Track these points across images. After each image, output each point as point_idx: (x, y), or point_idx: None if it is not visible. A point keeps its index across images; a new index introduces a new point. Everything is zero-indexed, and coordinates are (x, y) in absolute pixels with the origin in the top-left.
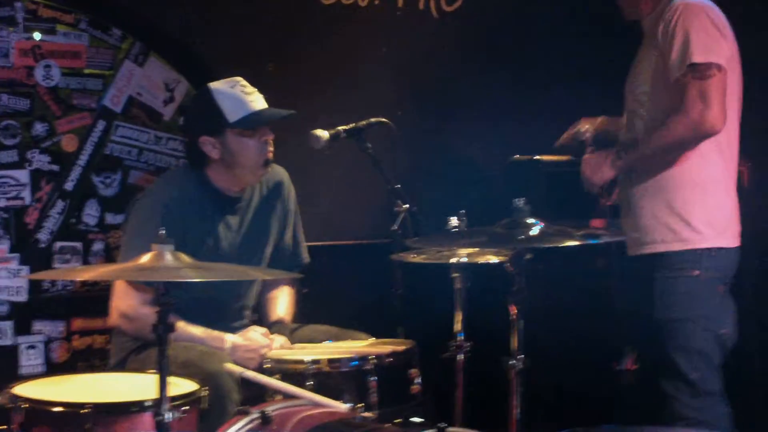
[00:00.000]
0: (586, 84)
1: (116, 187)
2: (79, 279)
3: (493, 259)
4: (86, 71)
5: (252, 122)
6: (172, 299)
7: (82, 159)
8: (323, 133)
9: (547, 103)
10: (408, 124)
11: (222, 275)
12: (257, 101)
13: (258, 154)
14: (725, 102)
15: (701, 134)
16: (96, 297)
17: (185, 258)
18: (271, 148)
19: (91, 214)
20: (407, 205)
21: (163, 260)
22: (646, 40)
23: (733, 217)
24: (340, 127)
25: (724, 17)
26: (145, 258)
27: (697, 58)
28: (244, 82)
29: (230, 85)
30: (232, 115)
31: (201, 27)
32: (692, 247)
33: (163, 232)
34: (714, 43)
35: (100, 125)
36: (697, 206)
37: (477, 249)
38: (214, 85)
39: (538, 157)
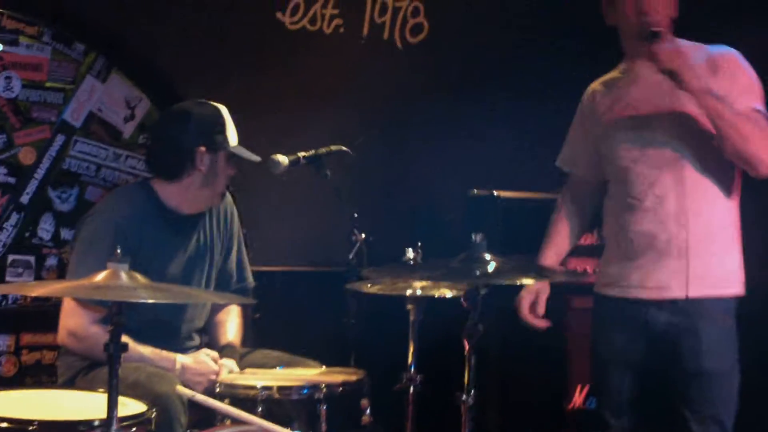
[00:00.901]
0: (549, 118)
1: (72, 203)
2: (32, 294)
3: (448, 293)
4: (47, 84)
5: (243, 155)
6: (124, 319)
7: (39, 172)
8: (283, 159)
9: (509, 138)
10: (368, 153)
11: (178, 297)
12: (235, 134)
13: (224, 182)
14: None
15: (763, 160)
16: (46, 312)
17: (140, 278)
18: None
19: (45, 228)
20: (364, 235)
21: (118, 279)
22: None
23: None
24: (300, 153)
25: None
26: (100, 276)
27: (762, 108)
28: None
29: (227, 112)
30: (232, 140)
31: (166, 46)
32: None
33: (119, 251)
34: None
35: (59, 139)
36: (732, 252)
37: (432, 282)
38: (220, 106)
39: (497, 192)
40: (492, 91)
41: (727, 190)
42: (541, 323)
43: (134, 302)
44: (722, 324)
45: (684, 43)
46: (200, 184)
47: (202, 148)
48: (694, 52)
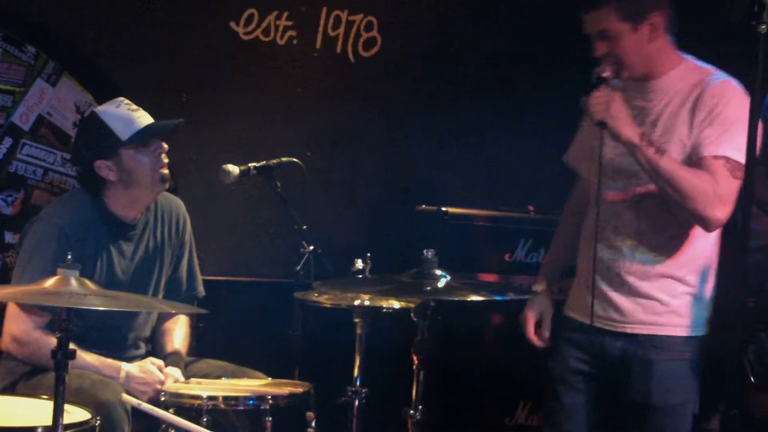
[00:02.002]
0: (503, 133)
1: (17, 207)
2: None
3: (396, 305)
4: None
5: (144, 136)
6: (72, 325)
7: None
8: (233, 168)
9: (460, 153)
10: (317, 166)
11: (129, 305)
12: (144, 117)
13: (153, 168)
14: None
15: (707, 218)
16: None
17: (90, 284)
18: (166, 161)
19: None
20: (312, 246)
21: (68, 285)
22: (667, 95)
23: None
24: (250, 164)
25: None
26: (50, 282)
27: (733, 154)
28: (128, 101)
29: (115, 105)
30: (123, 133)
31: (118, 52)
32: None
33: (70, 256)
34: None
35: (7, 142)
36: (702, 288)
37: (380, 295)
38: (100, 108)
39: (444, 208)
40: (444, 106)
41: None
42: (545, 344)
43: (83, 309)
44: (678, 357)
45: (690, 65)
46: (123, 188)
47: (99, 162)
48: (680, 82)
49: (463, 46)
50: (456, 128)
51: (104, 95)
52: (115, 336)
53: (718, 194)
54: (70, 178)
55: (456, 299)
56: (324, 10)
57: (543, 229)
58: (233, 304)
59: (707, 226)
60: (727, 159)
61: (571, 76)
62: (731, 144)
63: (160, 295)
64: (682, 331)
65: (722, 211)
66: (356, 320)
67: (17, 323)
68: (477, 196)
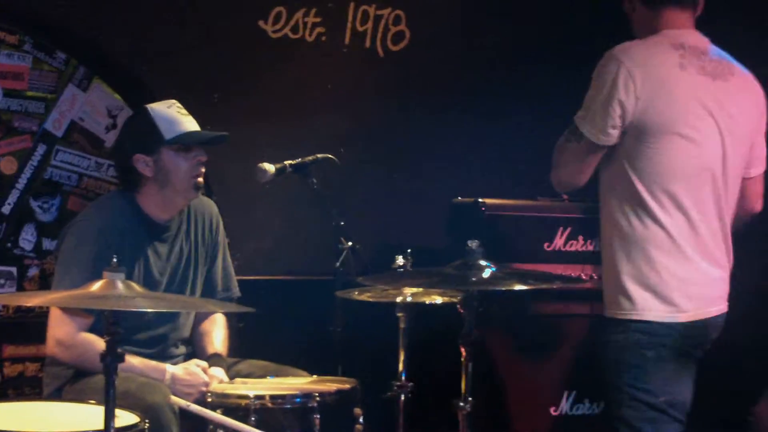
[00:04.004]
0: (534, 124)
1: (54, 213)
2: (28, 304)
3: (439, 300)
4: (28, 93)
5: (187, 140)
6: (120, 329)
7: (21, 182)
8: (269, 167)
9: (493, 145)
10: (351, 161)
11: (175, 306)
12: (192, 123)
13: (190, 174)
14: (580, 169)
15: (552, 181)
16: (28, 324)
17: (136, 287)
18: (203, 170)
19: (27, 239)
20: (350, 242)
21: (115, 289)
22: None
23: (688, 287)
24: (286, 162)
25: (667, 66)
26: (97, 286)
27: (576, 117)
28: (180, 105)
29: (166, 105)
30: (168, 132)
31: (147, 54)
32: (624, 317)
33: (115, 259)
34: (591, 111)
35: (41, 149)
36: (637, 270)
37: (422, 289)
38: (151, 105)
39: (481, 199)
40: (476, 98)
41: (632, 214)
42: None
43: (129, 311)
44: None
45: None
46: (158, 187)
47: (138, 156)
48: None
49: (493, 37)
50: (488, 118)
51: (136, 98)
52: (157, 337)
53: (554, 163)
54: (105, 182)
55: (503, 289)
56: (351, 6)
57: (580, 217)
58: (272, 303)
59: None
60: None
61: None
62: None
63: (197, 295)
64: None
65: (556, 174)
66: (399, 314)
67: (61, 326)
68: (513, 185)
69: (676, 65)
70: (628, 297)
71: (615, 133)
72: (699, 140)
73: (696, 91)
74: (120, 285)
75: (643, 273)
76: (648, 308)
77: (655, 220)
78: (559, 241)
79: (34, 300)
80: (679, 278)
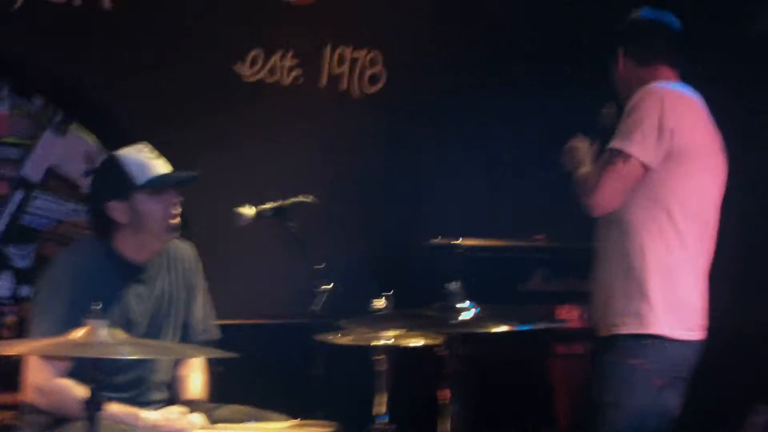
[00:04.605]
0: (509, 167)
1: (31, 259)
2: (11, 353)
3: (420, 342)
4: (5, 140)
5: (159, 183)
6: (103, 376)
7: None
8: (248, 211)
9: (471, 185)
10: (329, 203)
11: (160, 352)
12: (163, 165)
13: (164, 217)
14: (621, 192)
15: (583, 205)
16: (2, 372)
17: (119, 333)
18: (178, 211)
19: (4, 285)
20: (329, 285)
21: (98, 335)
22: None
23: (695, 310)
24: (265, 205)
25: (693, 106)
26: (80, 333)
27: (614, 144)
28: (150, 148)
29: (137, 150)
30: (139, 177)
31: (125, 99)
32: (636, 332)
33: (100, 306)
34: (638, 134)
35: (18, 195)
36: (654, 292)
37: (403, 331)
38: (121, 151)
39: (457, 240)
40: (453, 139)
41: (633, 233)
42: None
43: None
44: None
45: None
46: (133, 231)
47: (111, 203)
48: None
49: (469, 77)
50: (466, 159)
51: (113, 143)
52: (135, 380)
53: (591, 185)
54: (82, 228)
55: (485, 331)
56: (328, 48)
57: (556, 258)
58: (252, 347)
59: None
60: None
61: (580, 104)
62: (617, 135)
63: (176, 339)
64: None
65: (594, 196)
66: (380, 357)
67: (38, 373)
68: (487, 225)
69: (694, 106)
70: (637, 314)
71: (661, 156)
72: (713, 175)
73: (711, 133)
74: (102, 332)
75: (657, 292)
76: (669, 325)
77: (673, 244)
78: (534, 282)
79: (16, 348)
80: (689, 301)
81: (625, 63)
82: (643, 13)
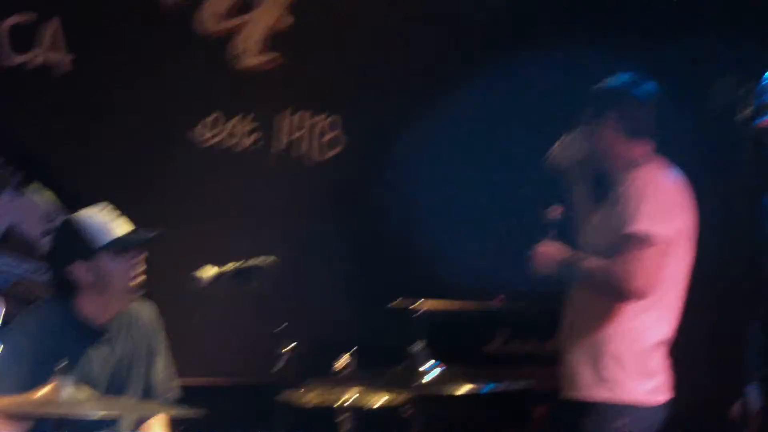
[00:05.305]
0: (468, 227)
1: None
2: None
3: (385, 400)
4: None
5: (122, 244)
6: None
7: None
8: (207, 273)
9: (432, 244)
10: (288, 266)
11: (127, 410)
12: (124, 225)
13: (128, 276)
14: (660, 272)
15: (624, 292)
16: None
17: (85, 390)
18: (142, 270)
19: None
20: (292, 345)
21: (64, 393)
22: (611, 195)
23: (664, 377)
24: (224, 268)
25: (683, 187)
26: (45, 390)
27: (638, 227)
28: (110, 208)
29: (97, 210)
30: (104, 238)
31: (83, 161)
32: (618, 401)
33: (64, 364)
34: (660, 213)
35: None
36: (633, 360)
37: (365, 390)
38: (82, 212)
39: (417, 303)
40: (403, 206)
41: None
42: None
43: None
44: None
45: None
46: (96, 292)
47: (75, 264)
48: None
49: (429, 139)
50: (426, 220)
51: (73, 204)
52: None
53: (630, 269)
54: (40, 287)
55: (451, 391)
56: (288, 111)
57: (517, 320)
58: (214, 407)
59: (634, 298)
60: (633, 234)
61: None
62: (638, 217)
63: (137, 398)
64: None
65: (640, 282)
66: (343, 416)
67: None
68: (451, 286)
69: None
70: (614, 380)
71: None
72: (687, 258)
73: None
74: (67, 389)
75: (640, 364)
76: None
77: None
78: (497, 344)
79: None
80: (662, 365)
81: (614, 131)
82: (635, 88)
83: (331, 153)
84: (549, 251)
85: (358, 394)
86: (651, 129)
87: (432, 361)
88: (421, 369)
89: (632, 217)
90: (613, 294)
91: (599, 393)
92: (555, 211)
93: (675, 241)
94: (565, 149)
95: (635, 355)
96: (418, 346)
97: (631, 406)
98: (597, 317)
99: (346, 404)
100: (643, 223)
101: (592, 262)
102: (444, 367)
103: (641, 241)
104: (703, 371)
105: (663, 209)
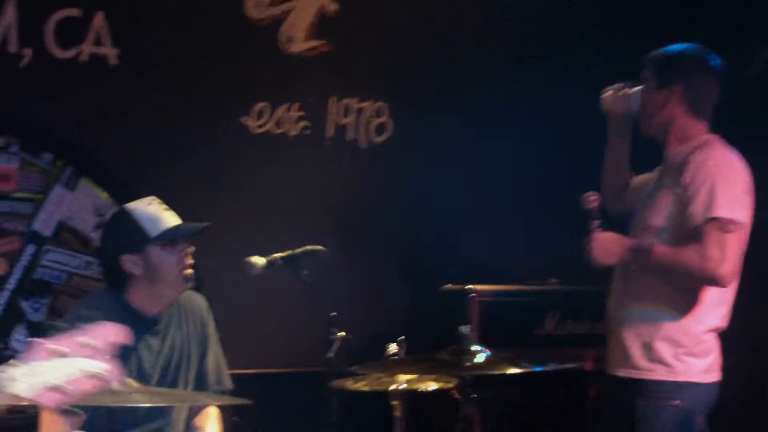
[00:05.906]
0: (521, 213)
1: (45, 312)
2: (22, 403)
3: (434, 386)
4: (16, 195)
5: (172, 235)
6: (119, 428)
7: (11, 283)
8: (258, 260)
9: (478, 235)
10: (340, 252)
11: (173, 400)
12: (173, 217)
13: (179, 267)
14: (741, 259)
15: (708, 279)
16: (19, 426)
17: (132, 382)
18: (191, 262)
19: (19, 339)
20: (343, 333)
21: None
22: (668, 172)
23: (716, 356)
24: (276, 255)
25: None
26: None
27: (720, 212)
28: (159, 200)
29: (147, 203)
30: (152, 230)
31: (134, 154)
32: (675, 379)
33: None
34: (738, 198)
35: (30, 249)
36: (689, 341)
37: (416, 376)
38: (131, 205)
39: (470, 286)
40: (456, 190)
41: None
42: None
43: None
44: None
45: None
46: (148, 283)
47: (125, 256)
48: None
49: (476, 123)
50: (475, 205)
51: (122, 197)
52: None
53: (713, 255)
54: (94, 281)
55: (498, 373)
56: (333, 99)
57: (569, 301)
58: (266, 396)
59: (718, 285)
60: (715, 219)
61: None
62: (717, 203)
63: (189, 390)
64: None
65: (725, 267)
66: (394, 402)
67: (53, 427)
68: (502, 270)
69: None
70: (680, 361)
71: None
72: None
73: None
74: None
75: (698, 344)
76: (712, 370)
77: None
78: (548, 326)
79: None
80: (714, 345)
81: (679, 104)
82: (707, 61)
83: (379, 139)
84: (608, 240)
85: (409, 379)
86: (712, 106)
87: (478, 345)
88: (470, 351)
89: (713, 201)
90: (694, 281)
91: (653, 372)
92: (593, 200)
93: (748, 227)
94: (619, 100)
95: (690, 337)
96: (466, 329)
97: (686, 384)
98: (652, 300)
99: (397, 389)
100: (725, 208)
101: (665, 250)
102: (494, 350)
103: (724, 226)
104: (746, 354)
105: (740, 194)
